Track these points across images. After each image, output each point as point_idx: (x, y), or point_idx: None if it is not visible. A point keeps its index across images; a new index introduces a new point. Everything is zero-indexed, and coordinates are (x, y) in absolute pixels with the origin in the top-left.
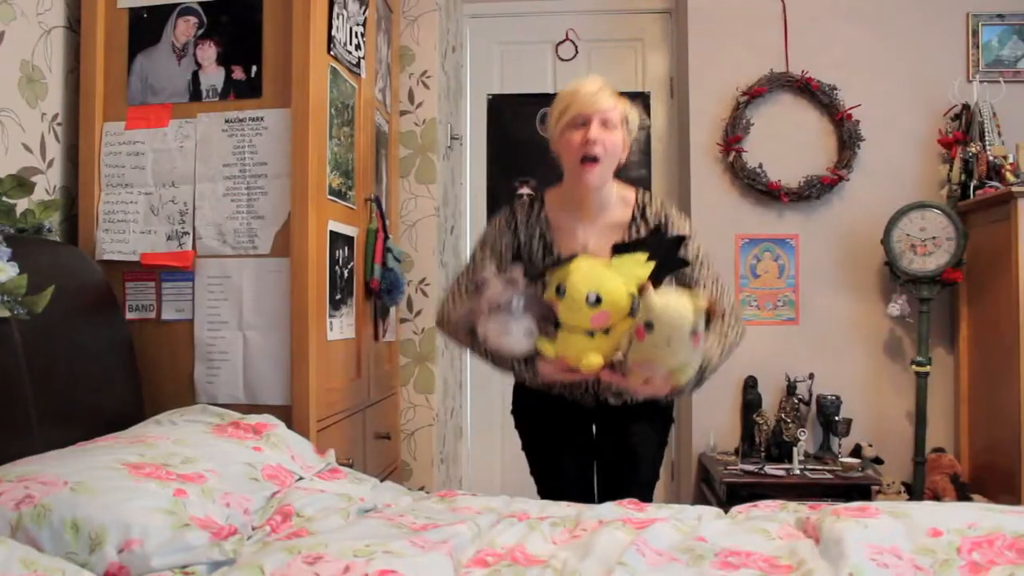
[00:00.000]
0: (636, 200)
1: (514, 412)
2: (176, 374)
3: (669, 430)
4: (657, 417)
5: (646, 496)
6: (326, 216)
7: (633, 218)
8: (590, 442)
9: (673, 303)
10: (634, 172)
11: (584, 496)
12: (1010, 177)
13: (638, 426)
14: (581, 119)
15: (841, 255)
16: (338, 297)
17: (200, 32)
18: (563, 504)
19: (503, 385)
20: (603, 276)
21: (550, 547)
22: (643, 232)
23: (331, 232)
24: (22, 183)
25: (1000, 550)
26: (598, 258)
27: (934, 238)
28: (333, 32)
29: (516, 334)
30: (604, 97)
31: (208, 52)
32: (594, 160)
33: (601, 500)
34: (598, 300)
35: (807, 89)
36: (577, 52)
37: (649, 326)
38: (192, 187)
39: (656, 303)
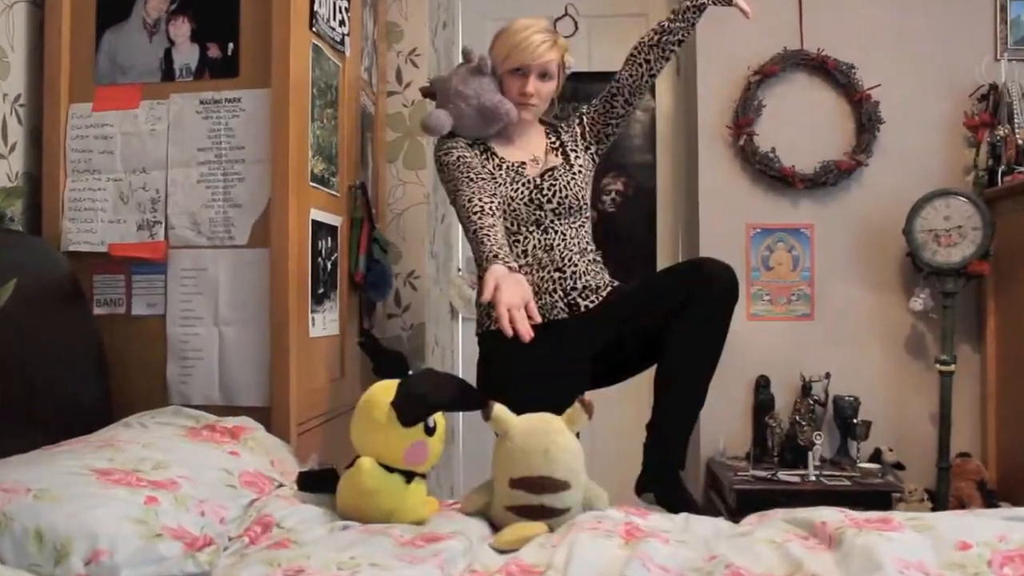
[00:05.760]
0: (546, 133)
1: (487, 365)
2: (147, 373)
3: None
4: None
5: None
6: (308, 204)
7: (553, 146)
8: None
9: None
10: (638, 156)
11: None
12: None
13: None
14: (522, 69)
15: (859, 246)
16: (321, 291)
17: (173, 7)
18: None
19: None
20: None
21: (547, 553)
22: (559, 155)
23: (313, 221)
24: None
25: None
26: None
27: (959, 228)
28: (316, 7)
29: None
30: (545, 50)
31: (181, 28)
32: (531, 106)
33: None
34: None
35: (823, 68)
36: (577, 28)
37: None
38: (164, 173)
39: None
